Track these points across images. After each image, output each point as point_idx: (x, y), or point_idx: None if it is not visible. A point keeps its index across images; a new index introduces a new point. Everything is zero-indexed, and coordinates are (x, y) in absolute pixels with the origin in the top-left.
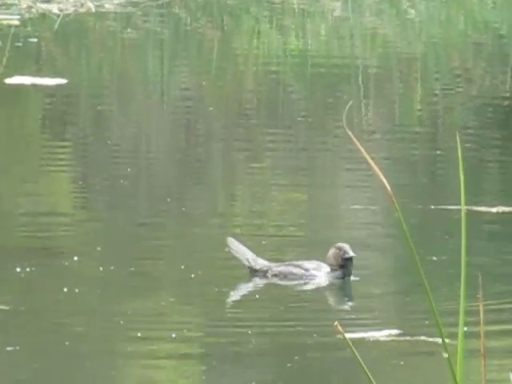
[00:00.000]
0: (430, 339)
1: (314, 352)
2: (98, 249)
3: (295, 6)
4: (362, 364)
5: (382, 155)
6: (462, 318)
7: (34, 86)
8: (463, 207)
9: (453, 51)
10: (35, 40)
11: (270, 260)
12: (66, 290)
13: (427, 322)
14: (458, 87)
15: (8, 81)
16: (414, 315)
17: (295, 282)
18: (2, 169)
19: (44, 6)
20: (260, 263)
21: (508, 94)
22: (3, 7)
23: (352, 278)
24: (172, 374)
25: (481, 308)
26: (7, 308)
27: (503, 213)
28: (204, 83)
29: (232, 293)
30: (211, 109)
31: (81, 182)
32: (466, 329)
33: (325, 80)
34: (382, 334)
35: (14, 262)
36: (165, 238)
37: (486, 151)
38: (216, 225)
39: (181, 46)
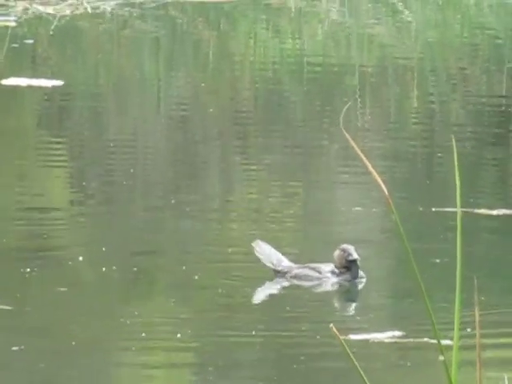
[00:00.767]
0: (433, 341)
1: (315, 354)
2: (103, 249)
3: (292, 9)
4: (357, 365)
5: (378, 155)
6: (456, 321)
7: (30, 87)
8: (458, 210)
9: (449, 53)
10: (31, 41)
11: (296, 261)
12: (66, 290)
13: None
14: (454, 89)
15: (4, 82)
16: (417, 317)
17: (309, 284)
18: None
19: (40, 7)
20: (283, 265)
21: (504, 95)
22: (0, 8)
23: (360, 280)
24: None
25: (476, 310)
26: (10, 308)
27: (504, 215)
28: (200, 85)
29: (235, 296)
30: (207, 110)
31: (76, 180)
32: (469, 330)
33: (321, 82)
34: (386, 336)
35: (17, 262)
36: (163, 234)
37: (482, 152)
38: (214, 221)
39: (177, 48)
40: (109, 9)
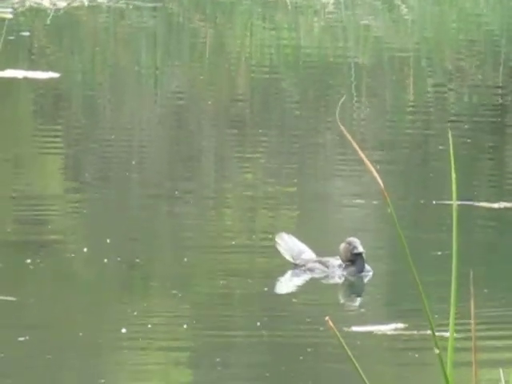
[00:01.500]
0: (437, 333)
1: (318, 345)
2: (102, 239)
3: (288, 2)
4: (351, 356)
5: (374, 149)
6: (452, 313)
7: (26, 79)
8: (454, 202)
9: (445, 47)
10: (28, 34)
11: (321, 254)
12: (66, 281)
13: (436, 316)
14: (450, 83)
15: (0, 74)
16: (420, 309)
17: (316, 277)
18: None
19: None
20: (302, 258)
21: (500, 89)
22: None
23: (366, 273)
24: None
25: (471, 303)
26: (14, 299)
27: (505, 208)
28: (196, 78)
29: (237, 288)
30: (204, 101)
31: (72, 169)
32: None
33: (317, 75)
34: (389, 328)
35: (17, 252)
36: (160, 223)
37: (478, 146)
38: (211, 208)
39: (173, 41)
40: (105, 1)
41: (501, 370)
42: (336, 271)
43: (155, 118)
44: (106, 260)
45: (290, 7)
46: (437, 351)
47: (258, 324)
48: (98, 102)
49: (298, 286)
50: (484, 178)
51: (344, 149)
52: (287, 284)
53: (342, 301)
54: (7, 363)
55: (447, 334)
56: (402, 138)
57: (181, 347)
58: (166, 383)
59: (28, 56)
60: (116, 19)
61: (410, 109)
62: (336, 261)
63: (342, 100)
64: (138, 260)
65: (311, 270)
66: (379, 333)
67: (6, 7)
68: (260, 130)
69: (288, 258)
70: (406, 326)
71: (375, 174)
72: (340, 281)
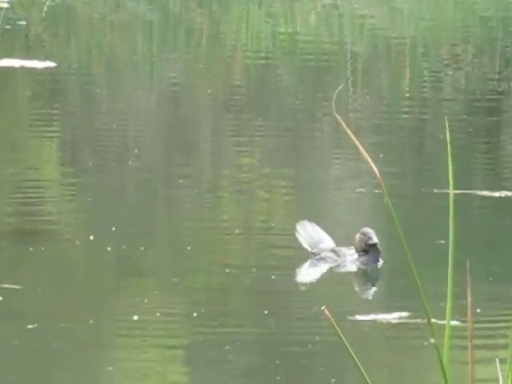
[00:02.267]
0: (440, 322)
1: (324, 334)
2: (113, 229)
3: None
4: (346, 344)
5: (371, 140)
6: (449, 302)
7: (22, 68)
8: (451, 191)
9: (441, 37)
10: (24, 23)
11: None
12: (67, 269)
13: (442, 305)
14: (447, 72)
15: None
16: (428, 298)
17: (329, 267)
18: None
19: None
20: (319, 247)
21: (496, 78)
22: None
23: (380, 263)
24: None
25: (469, 292)
26: (19, 287)
27: (506, 197)
28: (192, 66)
29: (236, 280)
30: (200, 90)
31: (69, 160)
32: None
33: (314, 65)
34: (393, 317)
35: (22, 241)
36: (156, 212)
37: (474, 133)
38: (208, 193)
39: (170, 30)
40: None
41: (497, 359)
42: (347, 260)
43: (152, 105)
44: (109, 248)
45: None
46: (432, 340)
47: (266, 312)
48: (94, 90)
49: (308, 275)
50: (481, 165)
51: (340, 135)
52: (300, 273)
53: (355, 289)
54: (11, 352)
55: (454, 323)
56: (398, 123)
57: (180, 344)
58: (171, 379)
59: (25, 45)
60: (112, 7)
61: (407, 98)
62: (348, 250)
63: (340, 88)
64: (142, 248)
65: (324, 258)
66: (384, 321)
67: None
68: (257, 122)
69: (306, 246)
70: (411, 314)
71: (372, 164)
72: (352, 270)
